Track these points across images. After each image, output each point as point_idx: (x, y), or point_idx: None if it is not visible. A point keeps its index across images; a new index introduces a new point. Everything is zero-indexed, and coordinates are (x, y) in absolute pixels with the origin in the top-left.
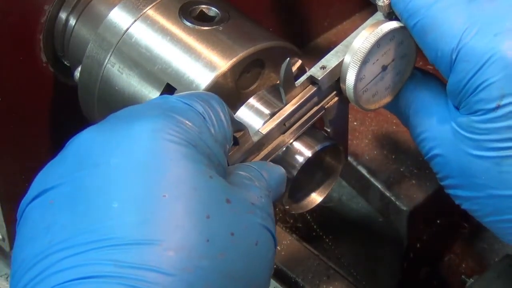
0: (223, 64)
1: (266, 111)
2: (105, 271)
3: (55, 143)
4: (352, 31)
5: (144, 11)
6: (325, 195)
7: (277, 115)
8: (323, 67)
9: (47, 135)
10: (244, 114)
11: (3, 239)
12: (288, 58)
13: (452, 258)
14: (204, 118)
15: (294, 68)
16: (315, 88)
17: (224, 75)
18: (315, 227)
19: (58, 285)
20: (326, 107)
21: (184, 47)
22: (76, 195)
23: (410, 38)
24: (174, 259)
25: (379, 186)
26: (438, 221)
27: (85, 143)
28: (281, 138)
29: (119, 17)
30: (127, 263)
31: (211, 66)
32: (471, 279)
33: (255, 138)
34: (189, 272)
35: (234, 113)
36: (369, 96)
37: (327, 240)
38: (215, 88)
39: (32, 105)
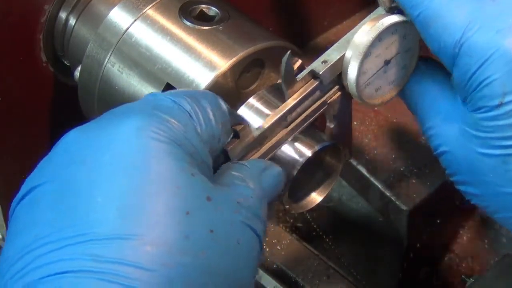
0: (223, 63)
1: (266, 111)
2: (84, 266)
3: (55, 143)
4: None
5: (144, 10)
6: (325, 195)
7: (278, 109)
8: (325, 61)
9: (47, 135)
10: (244, 113)
11: (3, 238)
12: (289, 52)
13: (452, 258)
14: (190, 116)
15: (294, 68)
16: (317, 83)
17: (224, 74)
18: (315, 227)
19: (37, 279)
20: (328, 102)
21: (184, 46)
22: (62, 191)
23: (414, 32)
24: (153, 254)
25: (379, 186)
26: (438, 221)
27: (72, 141)
28: (283, 132)
29: (119, 16)
30: (106, 257)
31: (211, 65)
32: (471, 279)
33: (256, 132)
34: (170, 267)
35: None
36: (372, 90)
37: (327, 240)
38: (215, 87)
39: (32, 105)
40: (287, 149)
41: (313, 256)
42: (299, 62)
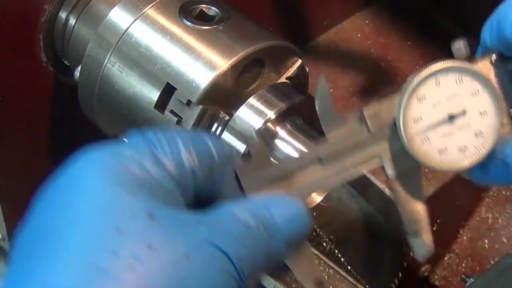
0: (223, 63)
1: (267, 111)
2: None
3: (55, 143)
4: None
5: (144, 10)
6: (325, 195)
7: (313, 148)
8: (374, 104)
9: (47, 135)
10: (244, 113)
11: (3, 238)
12: (324, 81)
13: (452, 257)
14: (151, 143)
15: (294, 68)
16: (365, 128)
17: (224, 74)
18: (315, 226)
19: None
20: (382, 155)
21: (184, 46)
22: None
23: (490, 93)
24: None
25: (379, 186)
26: (438, 221)
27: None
28: (320, 173)
29: (119, 16)
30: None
31: (211, 65)
32: (471, 279)
33: (276, 162)
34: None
35: (234, 113)
36: (433, 150)
37: (327, 240)
38: (215, 87)
39: (32, 104)
40: (287, 149)
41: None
42: (299, 62)
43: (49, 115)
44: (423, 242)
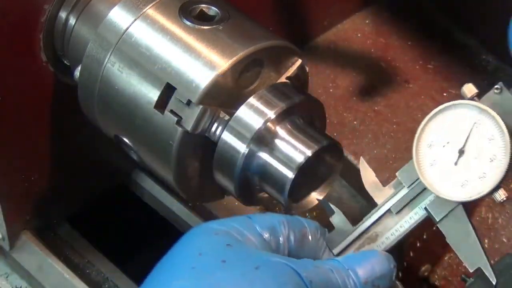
0: (223, 63)
1: (267, 110)
2: None
3: (55, 143)
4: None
5: (144, 10)
6: (325, 194)
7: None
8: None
9: (47, 135)
10: (244, 113)
11: (3, 238)
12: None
13: (452, 257)
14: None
15: (294, 68)
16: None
17: (224, 74)
18: None
19: None
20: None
21: (184, 46)
22: None
23: (490, 119)
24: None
25: None
26: None
27: None
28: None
29: (119, 16)
30: None
31: (211, 65)
32: (471, 278)
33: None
34: None
35: (234, 113)
36: (457, 185)
37: None
38: (215, 87)
39: (32, 104)
40: (287, 149)
41: None
42: (299, 62)
43: (49, 115)
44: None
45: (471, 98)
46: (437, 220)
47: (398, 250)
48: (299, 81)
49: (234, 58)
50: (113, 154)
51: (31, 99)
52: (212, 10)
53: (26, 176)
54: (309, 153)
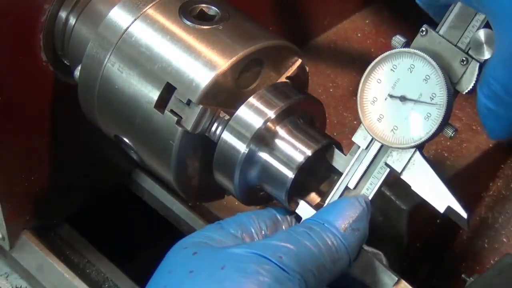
0: (223, 63)
1: (267, 110)
2: None
3: (55, 143)
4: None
5: (144, 10)
6: (324, 194)
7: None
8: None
9: (47, 134)
10: (244, 113)
11: (3, 238)
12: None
13: (452, 257)
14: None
15: (294, 67)
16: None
17: (224, 74)
18: None
19: None
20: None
21: (184, 46)
22: None
23: (439, 80)
24: None
25: None
26: (438, 220)
27: None
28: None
29: (119, 16)
30: None
31: (211, 65)
32: (471, 278)
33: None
34: None
35: (234, 113)
36: (386, 128)
37: None
38: (215, 87)
39: (32, 104)
40: (287, 148)
41: None
42: (299, 61)
43: (49, 115)
44: None
45: (402, 47)
46: (399, 171)
47: (398, 250)
48: (299, 81)
49: (234, 58)
50: (113, 154)
51: (31, 99)
52: (212, 10)
53: (26, 176)
54: (309, 152)
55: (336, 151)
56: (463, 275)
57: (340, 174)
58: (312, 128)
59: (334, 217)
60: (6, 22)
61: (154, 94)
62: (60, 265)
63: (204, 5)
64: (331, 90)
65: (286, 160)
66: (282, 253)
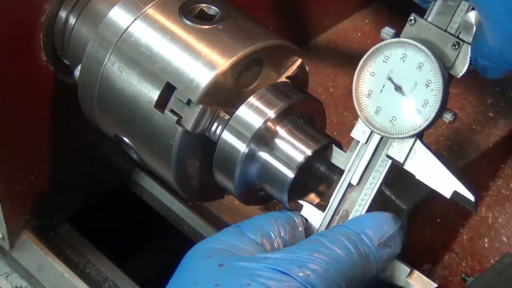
0: (223, 62)
1: (266, 110)
2: None
3: (55, 142)
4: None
5: (144, 10)
6: (324, 194)
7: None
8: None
9: (47, 134)
10: (244, 112)
11: (3, 238)
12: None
13: (452, 257)
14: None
15: (294, 67)
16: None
17: (224, 73)
18: None
19: None
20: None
21: (184, 46)
22: None
23: (433, 65)
24: None
25: None
26: (438, 220)
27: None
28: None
29: (119, 16)
30: None
31: (211, 64)
32: (471, 278)
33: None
34: None
35: (234, 112)
36: (384, 120)
37: None
38: (215, 86)
39: (32, 103)
40: (287, 148)
41: None
42: (299, 61)
43: (49, 115)
44: None
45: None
46: (401, 161)
47: None
48: (299, 80)
49: (234, 58)
50: (112, 154)
51: (31, 99)
52: (212, 10)
53: (26, 176)
54: (309, 152)
55: (336, 148)
56: (463, 275)
57: (341, 173)
58: (312, 127)
59: (371, 229)
60: (6, 22)
61: (154, 94)
62: (60, 265)
63: (204, 4)
64: (331, 89)
65: (286, 160)
66: (309, 270)
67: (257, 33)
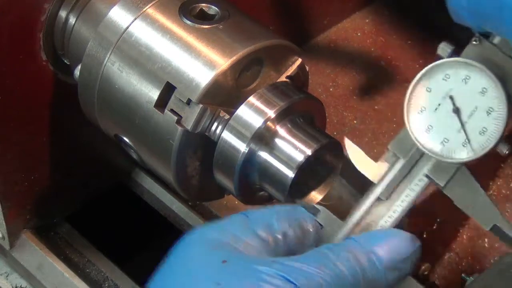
0: (223, 62)
1: (266, 110)
2: None
3: (55, 142)
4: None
5: (144, 9)
6: (324, 193)
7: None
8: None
9: (47, 134)
10: (244, 112)
11: (3, 237)
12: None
13: (452, 256)
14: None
15: (294, 67)
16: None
17: (224, 73)
18: None
19: None
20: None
21: (184, 45)
22: None
23: (498, 93)
24: None
25: None
26: (438, 220)
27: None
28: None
29: (119, 15)
30: None
31: (211, 64)
32: (471, 278)
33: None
34: None
35: (234, 112)
36: (435, 139)
37: None
38: (215, 86)
39: (32, 103)
40: (287, 148)
41: None
42: (299, 61)
43: (49, 114)
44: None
45: (450, 56)
46: (442, 185)
47: None
48: (299, 80)
49: (234, 57)
50: (113, 154)
51: (31, 99)
52: (212, 9)
53: (26, 176)
54: (309, 152)
55: (367, 157)
56: (463, 275)
57: (341, 173)
58: (312, 127)
59: (384, 252)
60: (6, 21)
61: (154, 94)
62: (60, 265)
63: (204, 4)
64: (331, 89)
65: (286, 160)
66: (316, 284)
67: (257, 33)
